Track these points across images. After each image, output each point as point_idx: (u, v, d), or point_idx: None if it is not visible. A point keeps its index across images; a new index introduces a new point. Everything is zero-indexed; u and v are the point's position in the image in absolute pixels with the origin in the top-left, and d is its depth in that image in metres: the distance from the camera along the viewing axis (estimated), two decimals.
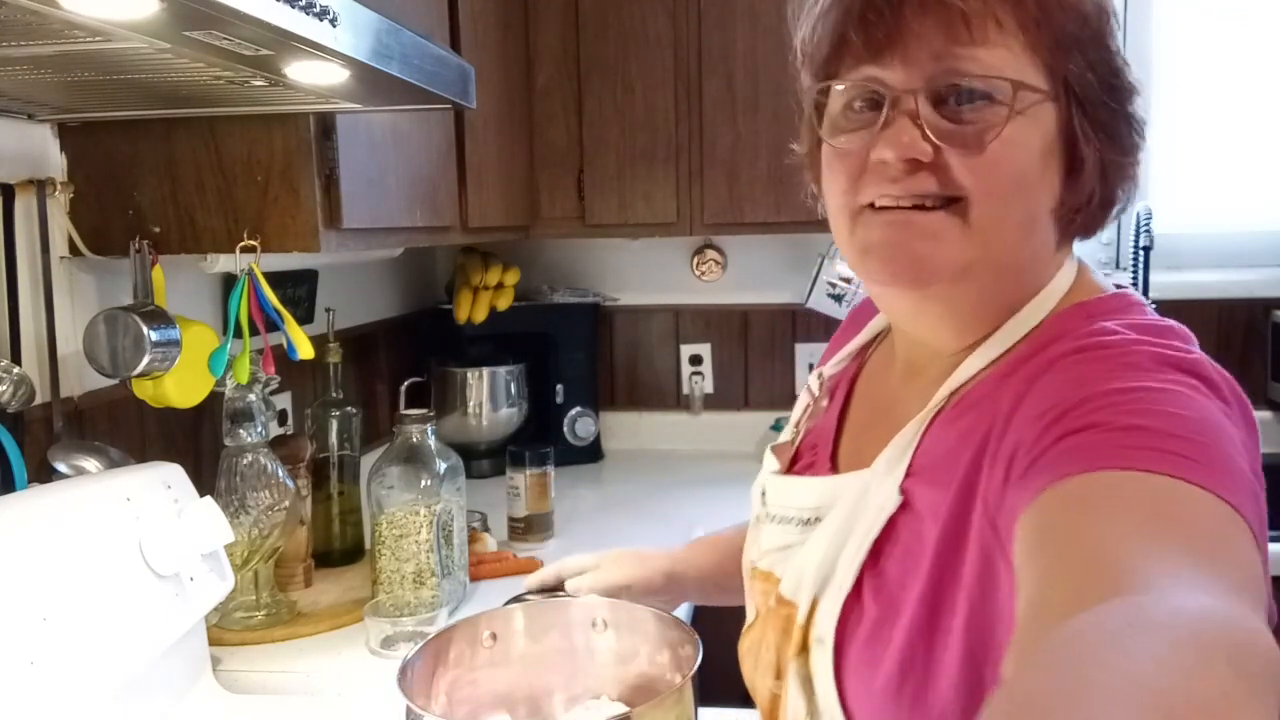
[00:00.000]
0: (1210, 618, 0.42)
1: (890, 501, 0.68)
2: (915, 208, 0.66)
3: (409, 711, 0.81)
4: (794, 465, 0.83)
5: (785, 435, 0.87)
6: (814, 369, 0.89)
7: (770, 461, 0.85)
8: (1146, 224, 1.93)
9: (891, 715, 0.66)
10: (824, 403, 0.85)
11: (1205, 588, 0.45)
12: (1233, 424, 0.59)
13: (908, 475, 0.69)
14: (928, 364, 0.75)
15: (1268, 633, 0.42)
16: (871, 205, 0.68)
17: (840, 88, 0.69)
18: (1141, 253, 1.96)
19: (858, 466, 0.74)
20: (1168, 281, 2.03)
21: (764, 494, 0.83)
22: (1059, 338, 0.66)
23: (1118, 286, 0.72)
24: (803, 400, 0.88)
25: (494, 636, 0.97)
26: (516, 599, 1.02)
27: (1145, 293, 1.98)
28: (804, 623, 0.71)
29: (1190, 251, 2.12)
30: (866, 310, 0.91)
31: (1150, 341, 0.62)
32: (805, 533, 0.76)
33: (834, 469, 0.79)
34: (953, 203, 0.66)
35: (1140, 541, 0.49)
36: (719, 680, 0.88)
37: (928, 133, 0.64)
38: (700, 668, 0.84)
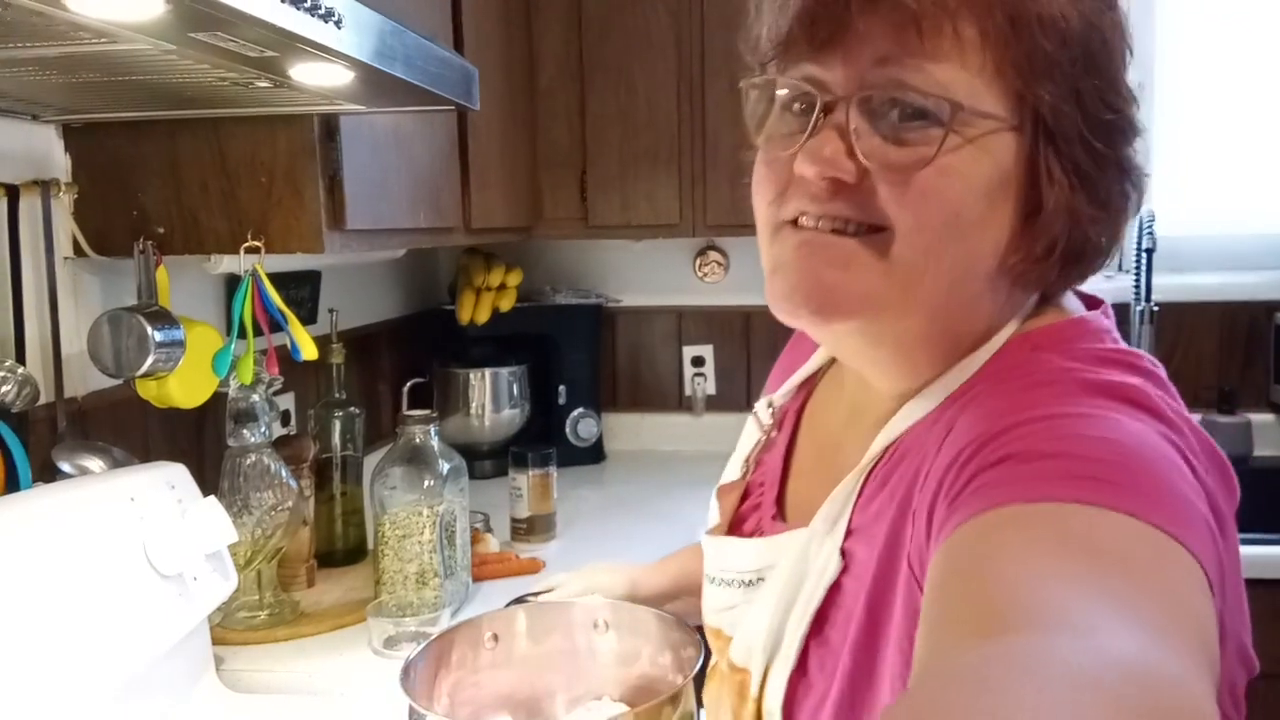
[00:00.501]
0: (1121, 666, 0.33)
1: (831, 566, 0.63)
2: (834, 231, 0.58)
3: (412, 712, 0.81)
4: (742, 503, 0.77)
5: (734, 471, 0.80)
6: (763, 397, 0.81)
7: (712, 514, 0.78)
8: (1149, 226, 1.93)
9: None
10: (774, 434, 0.79)
11: (1125, 629, 0.37)
12: (1182, 453, 0.51)
13: (847, 535, 0.63)
14: (870, 407, 0.67)
15: (1198, 686, 0.35)
16: (793, 222, 0.60)
17: (779, 89, 0.61)
18: (1144, 255, 1.96)
19: (802, 516, 0.68)
20: (1170, 284, 2.03)
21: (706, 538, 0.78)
22: (993, 374, 0.59)
23: (1091, 307, 0.64)
24: (750, 432, 0.81)
25: (496, 638, 0.97)
26: (518, 601, 1.02)
27: (1147, 296, 1.98)
28: (757, 694, 0.66)
29: (1193, 254, 2.12)
30: None
31: (1084, 369, 0.56)
32: (749, 593, 0.70)
33: (779, 514, 0.73)
34: (875, 232, 0.57)
35: (1049, 577, 0.41)
36: None
37: (855, 149, 0.56)
38: (702, 669, 0.84)
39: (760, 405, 0.80)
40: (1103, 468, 0.47)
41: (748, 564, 0.71)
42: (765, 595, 0.68)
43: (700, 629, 0.89)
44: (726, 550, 0.74)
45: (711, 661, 0.77)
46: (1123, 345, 0.60)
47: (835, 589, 0.63)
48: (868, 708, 0.58)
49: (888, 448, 0.63)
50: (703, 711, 0.79)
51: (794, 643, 0.63)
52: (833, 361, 0.77)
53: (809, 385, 0.79)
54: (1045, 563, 0.42)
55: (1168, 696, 0.32)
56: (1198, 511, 0.48)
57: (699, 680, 0.81)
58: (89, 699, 0.86)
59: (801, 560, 0.65)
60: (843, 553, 0.63)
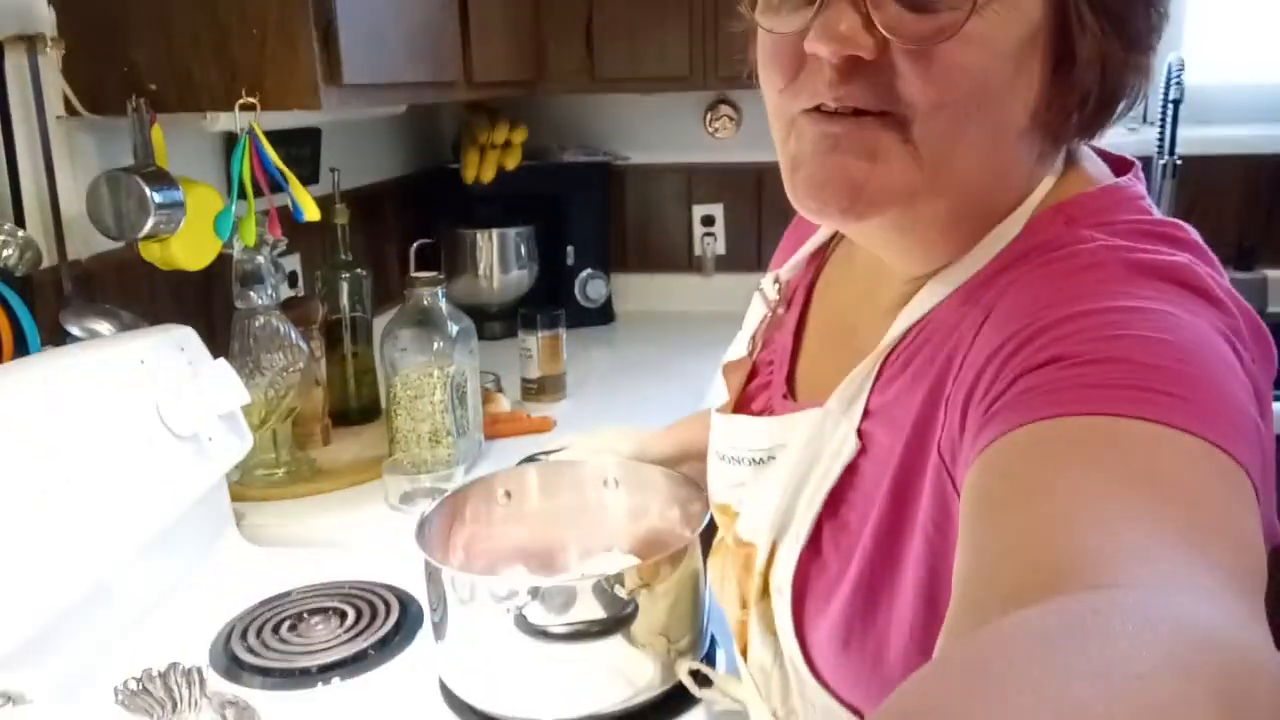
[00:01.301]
0: (1199, 634, 0.30)
1: (847, 447, 0.61)
2: (855, 113, 0.54)
3: (427, 565, 0.84)
4: (750, 382, 0.76)
5: (740, 349, 0.78)
6: (769, 272, 0.78)
7: (719, 392, 0.77)
8: (1178, 76, 1.85)
9: (848, 667, 0.62)
10: (781, 311, 0.76)
11: (1194, 583, 0.34)
12: (1232, 343, 0.48)
13: (865, 417, 0.61)
14: (885, 287, 0.65)
15: (1271, 650, 0.32)
16: (809, 111, 0.56)
17: None
18: (1170, 106, 1.89)
19: (813, 396, 0.67)
20: (1195, 136, 1.96)
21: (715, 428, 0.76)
22: (1028, 253, 0.56)
23: (1119, 173, 0.61)
24: (757, 308, 0.78)
25: (509, 494, 1.00)
26: (529, 460, 1.04)
27: (1171, 149, 1.92)
28: (764, 568, 0.67)
29: (1222, 105, 2.04)
30: None
31: (1128, 247, 0.52)
32: (758, 472, 0.70)
33: (789, 394, 0.71)
34: (897, 114, 0.53)
35: (1108, 511, 0.38)
36: None
37: (874, 20, 0.51)
38: (710, 526, 0.86)
39: (766, 281, 0.77)
40: (1159, 376, 0.44)
41: (758, 442, 0.70)
42: (775, 474, 0.67)
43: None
44: (737, 428, 0.73)
45: (717, 536, 0.78)
46: (1159, 214, 0.57)
47: (851, 470, 0.62)
48: (888, 589, 0.58)
49: (908, 330, 0.60)
50: (709, 581, 0.81)
51: (806, 521, 0.63)
52: (842, 235, 0.74)
53: (818, 259, 0.77)
54: (1105, 497, 0.39)
55: (1245, 668, 0.29)
56: (1249, 417, 0.45)
57: (705, 542, 0.83)
58: (114, 556, 0.88)
59: (814, 440, 0.64)
60: (860, 434, 0.61)
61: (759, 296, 0.77)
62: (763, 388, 0.74)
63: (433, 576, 0.83)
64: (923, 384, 0.57)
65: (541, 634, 0.75)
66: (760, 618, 0.67)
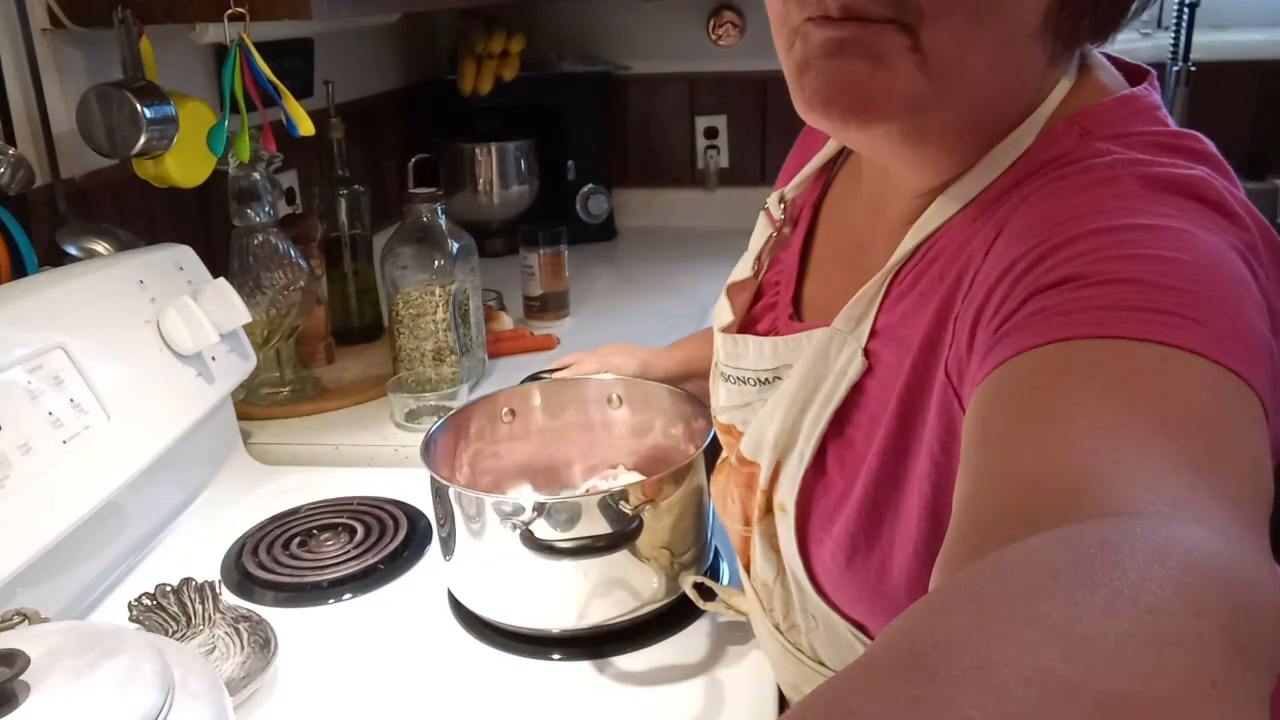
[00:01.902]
0: (1208, 567, 0.30)
1: (854, 367, 0.61)
2: (860, 19, 0.51)
3: (434, 483, 0.85)
4: (755, 304, 0.75)
5: (745, 269, 0.76)
6: (774, 191, 0.77)
7: (723, 312, 0.75)
8: None
9: (852, 584, 0.62)
10: (787, 230, 0.75)
11: (1202, 513, 0.34)
12: (1247, 260, 0.47)
13: (872, 336, 0.61)
14: (892, 203, 0.64)
15: (1274, 578, 0.31)
16: (814, 19, 0.53)
17: None
18: (1186, 10, 1.83)
19: (820, 316, 0.66)
20: (1209, 42, 1.91)
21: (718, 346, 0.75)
22: (1042, 166, 0.54)
23: (1134, 83, 0.59)
24: (761, 228, 0.76)
25: (512, 412, 1.00)
26: (533, 378, 1.04)
27: (1185, 56, 1.87)
28: (767, 486, 0.67)
29: (1239, 9, 1.98)
30: None
31: (1144, 160, 0.51)
32: (763, 392, 0.70)
33: (795, 314, 0.71)
34: (901, 21, 0.51)
35: (1115, 436, 0.37)
36: None
37: None
38: (713, 444, 0.86)
39: (771, 200, 0.75)
40: (1172, 298, 0.42)
41: (763, 362, 0.69)
42: (780, 393, 0.67)
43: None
44: (742, 348, 0.72)
45: (720, 456, 0.78)
46: (1175, 125, 0.55)
47: (857, 390, 0.61)
48: (892, 508, 0.58)
49: (918, 247, 0.59)
50: (712, 498, 0.82)
51: (811, 440, 0.63)
52: (849, 152, 0.73)
53: (824, 176, 0.75)
54: (1113, 422, 0.38)
55: (1250, 598, 0.29)
56: (1261, 338, 0.44)
57: (709, 459, 0.83)
58: (122, 476, 0.89)
59: (821, 360, 0.63)
60: (867, 354, 0.61)
61: (764, 216, 0.76)
62: (768, 308, 0.73)
63: (439, 494, 0.84)
64: (931, 302, 0.56)
65: (548, 549, 0.76)
66: (763, 535, 0.68)
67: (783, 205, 0.74)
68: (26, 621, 0.70)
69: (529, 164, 2.00)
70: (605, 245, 2.12)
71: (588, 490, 0.95)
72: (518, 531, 0.77)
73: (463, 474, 0.96)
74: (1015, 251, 0.49)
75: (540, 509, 0.78)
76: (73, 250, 1.05)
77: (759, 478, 0.67)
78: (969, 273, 0.53)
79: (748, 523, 0.70)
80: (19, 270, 1.00)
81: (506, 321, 1.56)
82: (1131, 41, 1.96)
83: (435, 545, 0.99)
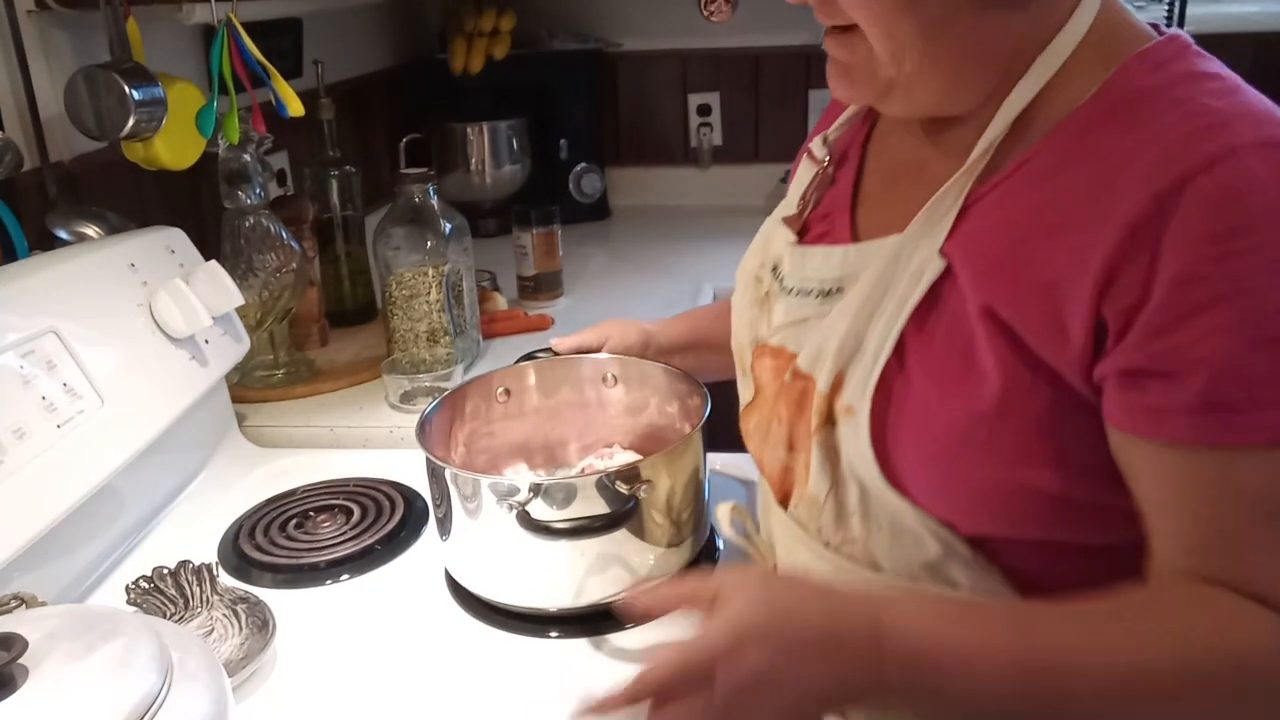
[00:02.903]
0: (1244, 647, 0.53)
1: (932, 266, 0.63)
2: (837, 30, 0.66)
3: (430, 464, 0.85)
4: (803, 238, 0.77)
5: (790, 207, 0.79)
6: (816, 133, 0.82)
7: (783, 232, 0.78)
8: None
9: (941, 482, 0.63)
10: (831, 170, 0.78)
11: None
12: None
13: (950, 238, 0.63)
14: (948, 122, 0.68)
15: None
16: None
17: None
18: None
19: (883, 233, 0.68)
20: (1204, 14, 1.90)
21: (775, 268, 0.77)
22: (1142, 98, 0.59)
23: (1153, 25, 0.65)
24: (806, 168, 0.80)
25: (507, 392, 1.00)
26: (528, 357, 1.04)
27: (1180, 28, 1.86)
28: (827, 393, 0.67)
29: None
30: None
31: (1248, 107, 0.57)
32: (826, 304, 0.71)
33: (854, 239, 0.73)
34: (855, 30, 0.64)
35: (1256, 539, 0.54)
36: (724, 429, 0.90)
37: None
38: (710, 417, 0.86)
39: (815, 143, 0.80)
40: None
41: (831, 271, 0.71)
42: (846, 301, 0.69)
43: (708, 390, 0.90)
44: (810, 257, 0.74)
45: (746, 399, 0.79)
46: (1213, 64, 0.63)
47: (936, 290, 0.63)
48: (985, 415, 0.60)
49: (984, 153, 0.64)
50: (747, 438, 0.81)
51: (888, 340, 0.65)
52: None
53: (871, 117, 0.79)
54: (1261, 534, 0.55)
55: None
56: None
57: (709, 433, 0.83)
58: (118, 460, 0.89)
59: (893, 264, 0.66)
60: (944, 255, 0.63)
61: (806, 159, 0.81)
62: (820, 237, 0.75)
63: (435, 475, 0.84)
64: (1028, 234, 0.60)
65: (544, 530, 0.76)
66: (821, 446, 0.69)
67: (826, 145, 0.80)
68: (24, 605, 0.70)
69: (521, 143, 1.99)
70: (599, 224, 2.12)
71: (583, 470, 0.95)
72: (514, 512, 0.77)
73: (458, 454, 0.97)
74: (1186, 252, 0.54)
75: (536, 489, 0.78)
76: (63, 234, 1.05)
77: (813, 393, 0.69)
78: (1100, 207, 0.57)
79: (793, 448, 0.73)
80: (9, 255, 1.00)
81: (500, 302, 1.56)
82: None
83: (432, 526, 0.99)
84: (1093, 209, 0.57)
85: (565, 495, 0.78)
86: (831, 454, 0.69)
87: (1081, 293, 0.56)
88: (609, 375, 1.01)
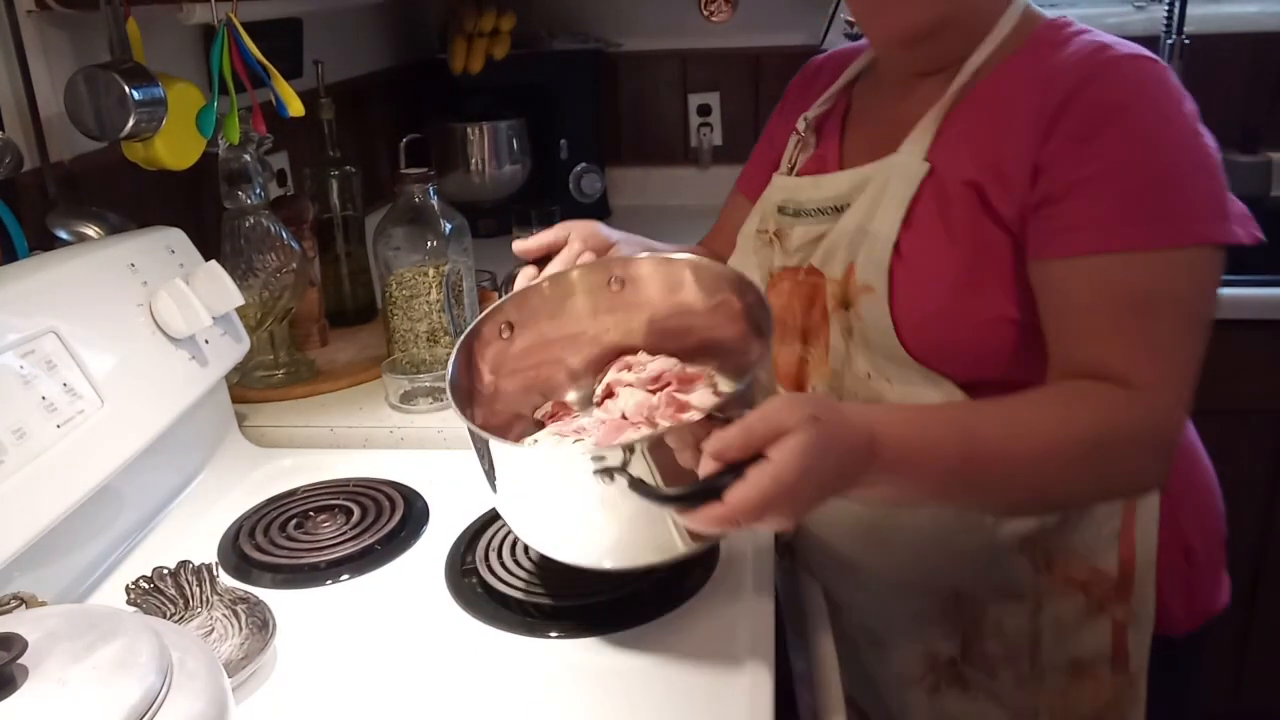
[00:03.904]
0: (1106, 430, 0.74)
1: (920, 169, 0.86)
2: None
3: (474, 435, 0.77)
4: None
5: (783, 169, 1.04)
6: (786, 110, 1.08)
7: (785, 180, 1.01)
8: None
9: (939, 334, 0.85)
10: (812, 138, 1.03)
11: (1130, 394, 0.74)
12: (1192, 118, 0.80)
13: (931, 151, 0.87)
14: (917, 86, 0.92)
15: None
16: None
17: None
18: None
19: (864, 162, 0.92)
20: (1203, 14, 1.90)
21: (781, 209, 0.98)
22: (1054, 44, 0.85)
23: None
24: (793, 141, 1.04)
25: (510, 326, 0.91)
26: (508, 281, 0.96)
27: (1179, 28, 1.86)
28: (841, 278, 0.90)
29: None
30: (839, 58, 1.08)
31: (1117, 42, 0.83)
32: (835, 219, 0.92)
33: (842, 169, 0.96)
34: None
35: (1120, 331, 0.76)
36: None
37: None
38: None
39: (800, 121, 1.03)
40: (1167, 192, 0.77)
41: (843, 188, 0.92)
42: (853, 209, 0.90)
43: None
44: (823, 183, 0.95)
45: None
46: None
47: (923, 187, 0.86)
48: (981, 262, 0.84)
49: (957, 100, 0.88)
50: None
51: (894, 228, 0.86)
52: (865, 73, 1.03)
53: (845, 95, 1.03)
54: (1120, 326, 0.77)
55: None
56: (1220, 185, 0.79)
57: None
58: (118, 460, 0.89)
59: (888, 173, 0.88)
60: (928, 160, 0.86)
61: (794, 135, 1.04)
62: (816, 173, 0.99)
63: (480, 449, 0.77)
64: (988, 128, 0.85)
65: (655, 495, 0.68)
66: (839, 326, 0.91)
67: (806, 123, 1.03)
68: (24, 605, 0.70)
69: (521, 143, 1.99)
70: None
71: (611, 389, 0.88)
72: (616, 481, 0.68)
73: (494, 403, 0.89)
74: (1055, 82, 0.81)
75: (631, 452, 0.68)
76: (63, 234, 1.05)
77: (824, 285, 0.92)
78: (1033, 98, 0.82)
79: (807, 340, 0.96)
80: (9, 255, 1.00)
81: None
82: (1126, 15, 1.95)
83: (432, 525, 0.99)
84: (1029, 106, 0.82)
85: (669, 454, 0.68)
86: (847, 331, 0.91)
87: (1026, 154, 0.80)
88: (613, 280, 0.92)
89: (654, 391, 0.88)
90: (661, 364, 0.90)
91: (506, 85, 2.00)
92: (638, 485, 0.68)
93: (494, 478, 0.78)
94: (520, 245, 0.96)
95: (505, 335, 0.91)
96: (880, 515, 0.93)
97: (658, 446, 0.68)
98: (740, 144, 2.18)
